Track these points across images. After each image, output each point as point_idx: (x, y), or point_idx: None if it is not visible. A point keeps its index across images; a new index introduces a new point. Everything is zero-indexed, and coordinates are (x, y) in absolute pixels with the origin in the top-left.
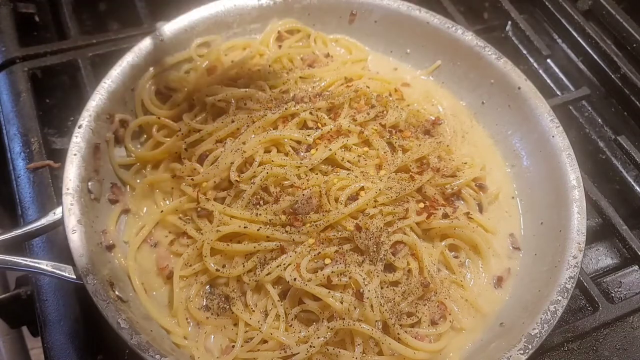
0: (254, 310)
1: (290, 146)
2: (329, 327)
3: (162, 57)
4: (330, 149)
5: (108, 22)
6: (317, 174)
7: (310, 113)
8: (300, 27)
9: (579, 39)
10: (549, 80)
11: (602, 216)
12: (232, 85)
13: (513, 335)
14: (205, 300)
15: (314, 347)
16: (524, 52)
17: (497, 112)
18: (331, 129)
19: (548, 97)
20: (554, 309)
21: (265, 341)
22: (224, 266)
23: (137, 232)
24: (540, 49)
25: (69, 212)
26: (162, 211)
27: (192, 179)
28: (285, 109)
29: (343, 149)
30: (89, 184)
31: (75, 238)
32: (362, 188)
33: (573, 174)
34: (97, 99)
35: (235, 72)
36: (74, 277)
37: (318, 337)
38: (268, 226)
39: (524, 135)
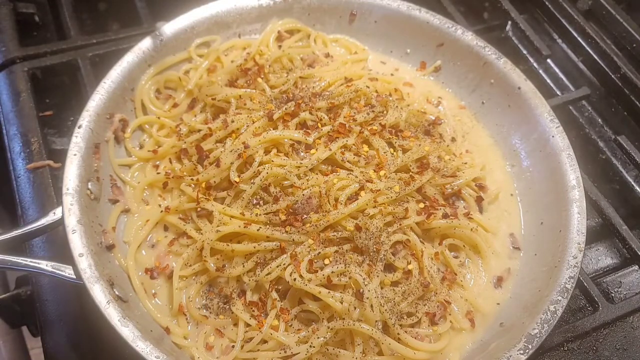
0: (254, 310)
1: (290, 146)
2: (329, 327)
3: (162, 57)
4: (330, 149)
5: (108, 22)
6: (317, 174)
7: (310, 113)
8: (300, 27)
9: (579, 39)
10: (549, 80)
11: (602, 216)
12: (232, 85)
13: (513, 335)
14: (205, 300)
15: (314, 347)
16: (524, 52)
17: (497, 112)
18: (331, 129)
19: (548, 97)
20: (554, 309)
21: (265, 341)
22: (223, 266)
23: (137, 232)
24: (540, 49)
25: (69, 212)
26: (162, 211)
27: (192, 179)
28: (285, 109)
29: (343, 149)
30: (89, 184)
31: (75, 238)
32: (362, 188)
33: (573, 174)
34: (97, 99)
35: (235, 72)
36: (74, 277)
37: (318, 337)
38: (268, 226)
39: (524, 135)
